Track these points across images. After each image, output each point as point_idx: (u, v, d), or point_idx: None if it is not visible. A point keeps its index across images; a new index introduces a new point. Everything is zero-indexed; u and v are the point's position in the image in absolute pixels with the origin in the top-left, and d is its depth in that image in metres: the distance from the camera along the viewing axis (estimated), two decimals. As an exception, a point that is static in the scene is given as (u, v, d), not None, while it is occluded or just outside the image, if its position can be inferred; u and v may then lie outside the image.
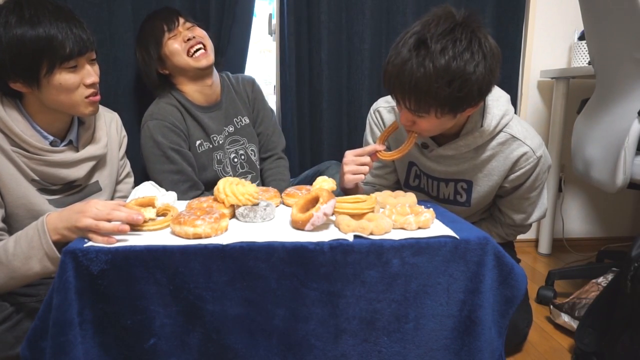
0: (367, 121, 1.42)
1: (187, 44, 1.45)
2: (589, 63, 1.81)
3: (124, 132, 1.36)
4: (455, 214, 1.09)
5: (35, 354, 0.83)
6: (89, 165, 1.19)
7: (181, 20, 1.48)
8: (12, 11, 1.01)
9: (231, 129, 1.60)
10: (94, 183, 1.23)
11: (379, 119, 1.38)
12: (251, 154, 1.65)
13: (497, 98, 1.20)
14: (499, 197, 1.34)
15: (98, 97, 1.14)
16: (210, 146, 1.54)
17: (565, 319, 1.53)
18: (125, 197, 1.31)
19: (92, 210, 0.87)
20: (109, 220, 0.86)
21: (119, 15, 1.80)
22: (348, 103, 2.06)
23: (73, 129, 1.19)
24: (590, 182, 1.71)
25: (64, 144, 1.16)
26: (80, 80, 1.08)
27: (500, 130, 1.19)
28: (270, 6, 2.05)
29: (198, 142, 1.51)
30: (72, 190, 1.18)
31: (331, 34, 1.96)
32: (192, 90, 1.52)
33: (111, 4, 1.79)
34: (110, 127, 1.28)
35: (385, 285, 0.89)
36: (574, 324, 1.49)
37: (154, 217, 0.94)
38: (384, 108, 1.37)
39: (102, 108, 1.28)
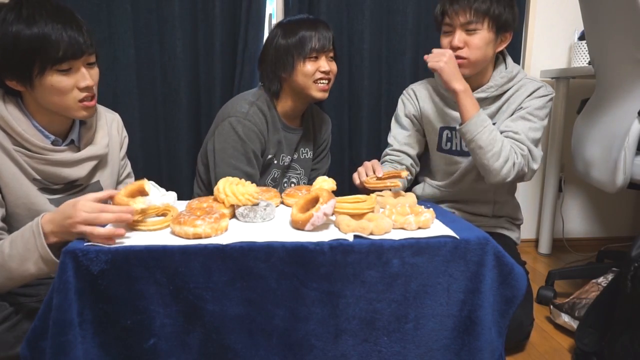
0: (400, 100, 1.62)
1: (320, 74, 1.44)
2: (589, 63, 1.81)
3: (124, 133, 1.35)
4: (455, 215, 1.09)
5: (35, 354, 0.83)
6: (90, 165, 1.18)
7: (331, 46, 1.47)
8: (11, 9, 1.01)
9: (295, 156, 1.61)
10: (95, 183, 1.22)
11: (412, 93, 1.60)
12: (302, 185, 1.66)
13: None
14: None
15: (93, 102, 1.12)
16: (276, 162, 1.54)
17: (565, 319, 1.53)
18: None
19: (81, 215, 0.85)
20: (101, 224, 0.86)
21: (118, 15, 1.80)
22: (348, 103, 2.06)
23: (74, 129, 1.18)
24: (590, 182, 1.71)
25: (65, 143, 1.15)
26: (74, 83, 1.06)
27: (522, 79, 1.47)
28: (270, 6, 2.05)
29: (269, 156, 1.51)
30: (74, 190, 1.18)
31: (331, 34, 1.96)
32: (286, 106, 1.52)
33: (110, 4, 1.79)
34: (111, 128, 1.28)
35: (385, 285, 0.89)
36: (574, 324, 1.49)
37: (145, 207, 0.92)
38: (416, 85, 1.61)
39: (102, 108, 1.28)
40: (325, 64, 1.45)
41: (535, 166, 1.39)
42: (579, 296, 1.54)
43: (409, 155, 1.56)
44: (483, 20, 1.35)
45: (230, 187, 1.02)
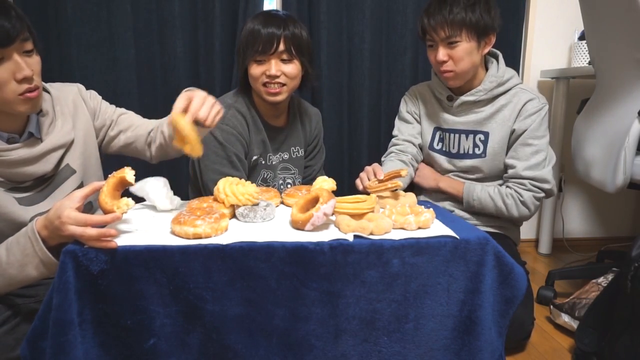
0: (402, 100, 1.68)
1: (267, 79, 1.36)
2: (589, 63, 1.81)
3: (90, 94, 1.25)
4: (455, 215, 1.10)
5: (35, 354, 0.83)
6: (55, 157, 1.10)
7: (280, 47, 1.33)
8: None
9: (285, 156, 1.57)
10: (65, 167, 1.15)
11: (413, 93, 1.66)
12: (298, 184, 1.63)
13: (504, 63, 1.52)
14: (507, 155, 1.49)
15: (36, 94, 1.02)
16: (263, 162, 1.51)
17: (565, 319, 1.53)
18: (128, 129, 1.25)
19: (68, 229, 0.84)
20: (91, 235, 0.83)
21: (118, 15, 1.80)
22: (348, 103, 2.06)
23: (32, 121, 1.08)
24: (590, 182, 1.71)
25: (23, 138, 1.07)
26: (9, 74, 0.97)
27: (513, 87, 1.48)
28: (270, 6, 2.05)
29: (254, 157, 1.47)
30: (44, 184, 1.11)
31: (331, 34, 1.96)
32: (261, 105, 1.48)
33: (110, 4, 1.79)
34: (72, 106, 1.18)
35: (385, 285, 0.89)
36: (574, 324, 1.49)
37: (130, 206, 0.89)
38: (417, 86, 1.67)
39: (56, 89, 1.18)
40: (273, 68, 1.34)
41: (547, 186, 1.43)
42: (579, 296, 1.54)
43: (413, 144, 1.61)
44: (460, 32, 1.36)
45: (230, 187, 1.01)
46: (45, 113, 1.12)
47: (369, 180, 1.23)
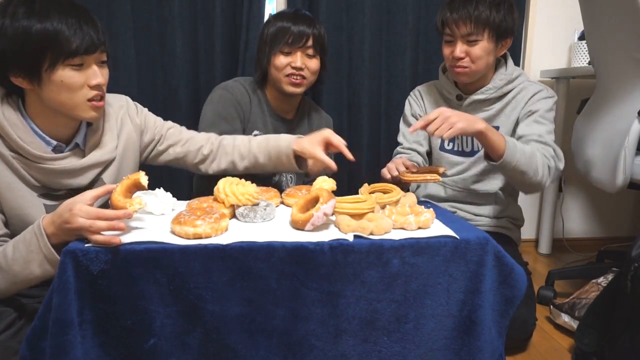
0: (407, 101, 1.65)
1: (292, 70, 1.45)
2: (589, 63, 1.81)
3: (137, 110, 1.26)
4: (455, 215, 1.10)
5: (34, 354, 0.83)
6: (94, 173, 1.13)
7: (309, 42, 1.45)
8: (22, 3, 0.97)
9: None
10: (99, 183, 1.17)
11: (419, 94, 1.63)
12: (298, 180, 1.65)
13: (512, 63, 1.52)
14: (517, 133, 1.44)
15: (102, 103, 1.08)
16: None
17: (565, 319, 1.53)
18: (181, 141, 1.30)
19: (77, 221, 0.85)
20: (97, 228, 0.85)
21: (119, 15, 1.80)
22: (348, 103, 2.06)
23: (81, 132, 1.12)
24: (591, 182, 1.71)
25: (69, 148, 1.10)
26: (84, 80, 1.02)
27: (522, 82, 1.48)
28: (270, 6, 2.05)
29: (256, 133, 1.50)
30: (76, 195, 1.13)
31: (331, 34, 1.96)
32: (272, 95, 1.55)
33: (110, 4, 1.79)
34: (120, 123, 1.20)
35: (385, 285, 0.89)
36: (574, 324, 1.49)
37: (142, 205, 0.91)
38: (423, 87, 1.64)
39: (110, 101, 1.20)
40: (299, 60, 1.44)
41: (561, 165, 1.40)
42: (579, 296, 1.54)
43: (418, 153, 1.59)
44: (483, 31, 1.36)
45: (230, 187, 1.01)
46: (95, 128, 1.15)
47: (397, 171, 1.24)
